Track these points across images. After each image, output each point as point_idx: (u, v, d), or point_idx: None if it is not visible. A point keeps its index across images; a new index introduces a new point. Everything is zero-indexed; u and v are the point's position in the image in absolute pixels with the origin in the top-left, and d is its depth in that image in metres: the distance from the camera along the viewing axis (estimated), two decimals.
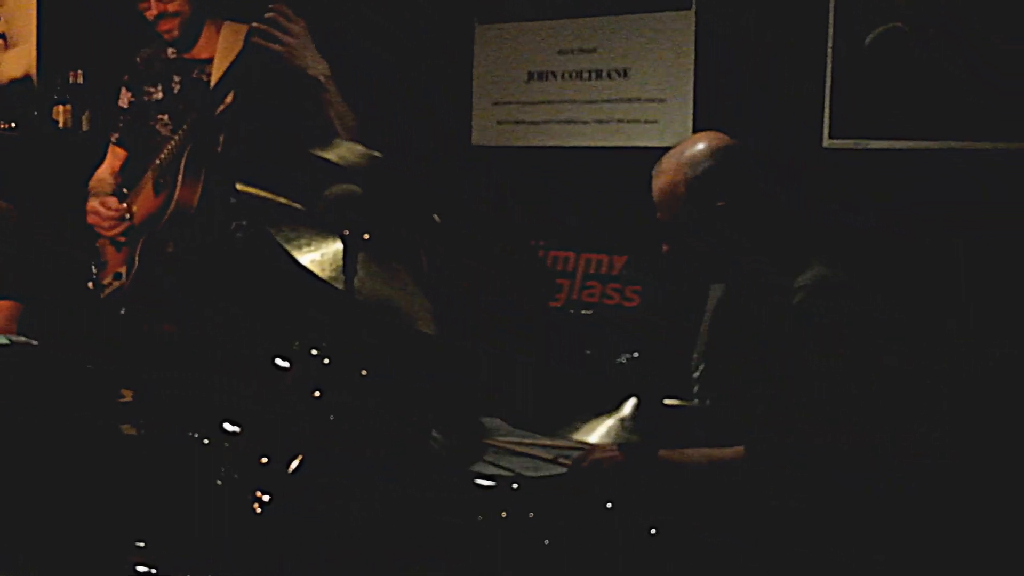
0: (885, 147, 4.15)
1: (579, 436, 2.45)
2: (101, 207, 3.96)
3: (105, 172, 4.17)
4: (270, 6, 3.60)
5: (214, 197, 3.77)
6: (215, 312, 3.80)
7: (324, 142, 2.86)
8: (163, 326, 3.86)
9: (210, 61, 3.89)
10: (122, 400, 3.25)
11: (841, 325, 2.85)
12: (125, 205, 3.95)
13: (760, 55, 4.38)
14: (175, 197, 3.76)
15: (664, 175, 3.02)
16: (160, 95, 3.99)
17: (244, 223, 3.80)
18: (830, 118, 4.23)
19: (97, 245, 4.06)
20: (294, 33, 3.58)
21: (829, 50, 4.20)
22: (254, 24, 3.61)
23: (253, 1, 3.64)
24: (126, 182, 4.05)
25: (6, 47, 6.17)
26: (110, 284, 3.98)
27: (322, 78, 3.60)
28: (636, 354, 2.60)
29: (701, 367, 3.20)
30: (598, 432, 2.43)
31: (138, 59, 4.12)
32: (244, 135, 3.77)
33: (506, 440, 3.33)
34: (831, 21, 4.20)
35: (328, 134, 3.54)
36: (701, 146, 3.02)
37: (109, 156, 4.22)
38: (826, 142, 4.25)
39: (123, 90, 4.16)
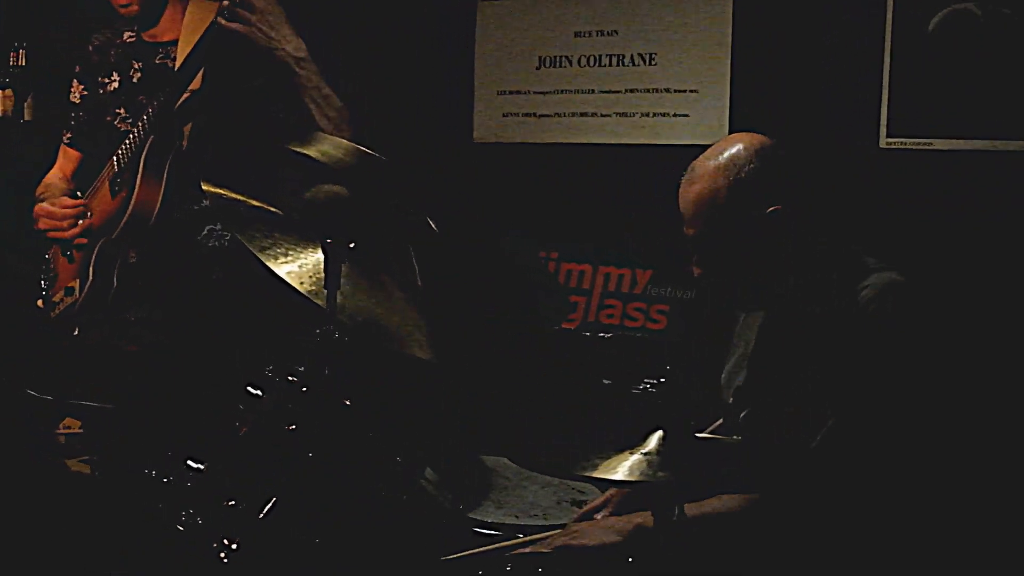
0: (950, 148, 4.16)
1: (600, 474, 2.46)
2: (53, 207, 3.94)
3: (55, 177, 4.17)
4: None
5: (179, 198, 3.77)
6: (181, 331, 3.80)
7: (305, 136, 2.87)
8: (124, 346, 3.86)
9: (174, 44, 3.89)
10: (68, 432, 3.26)
11: (912, 330, 2.87)
12: (83, 200, 3.93)
13: (808, 40, 4.40)
14: (134, 199, 3.76)
15: (700, 182, 2.99)
16: (116, 85, 4.00)
17: (217, 228, 3.81)
18: (888, 114, 4.24)
19: (47, 256, 4.06)
20: (259, 8, 3.58)
21: (887, 36, 4.22)
22: (223, 2, 3.61)
23: None
24: (81, 186, 4.04)
25: None
26: (61, 301, 3.98)
27: (292, 60, 3.59)
28: (662, 380, 2.60)
29: (738, 389, 3.21)
30: (621, 470, 2.44)
31: (91, 46, 4.11)
32: (213, 126, 3.77)
33: None
34: (890, 3, 4.21)
35: (308, 125, 3.54)
36: (740, 147, 3.01)
37: (60, 158, 4.22)
38: (883, 141, 4.26)
39: (74, 83, 4.15)
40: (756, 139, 3.03)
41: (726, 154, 2.99)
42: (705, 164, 3.01)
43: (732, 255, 3.01)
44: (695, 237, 3.03)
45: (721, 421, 3.28)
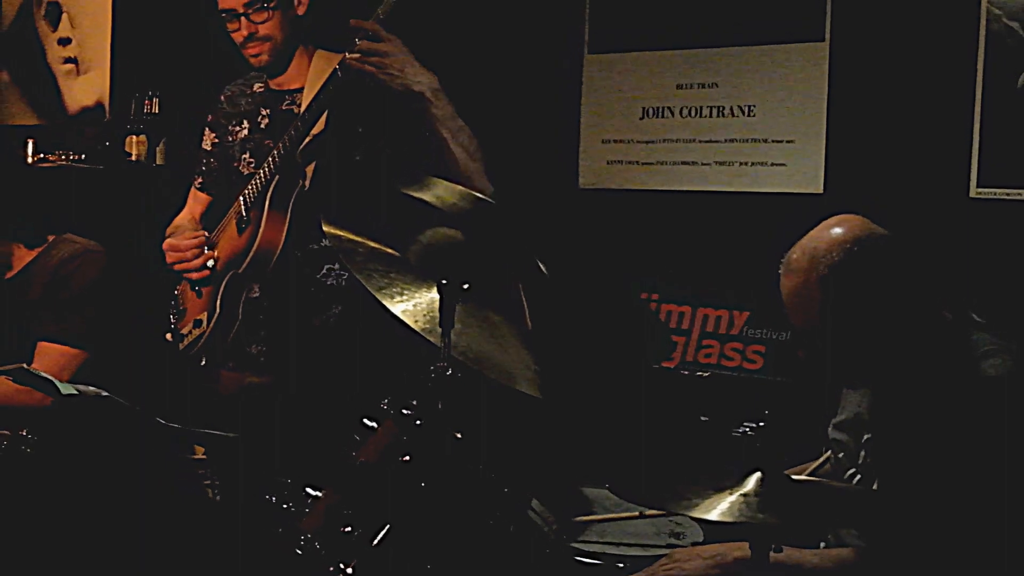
0: None
1: (699, 513, 2.45)
2: (178, 240, 4.01)
3: (185, 219, 4.24)
4: (357, 40, 3.60)
5: (301, 237, 3.81)
6: (300, 365, 3.83)
7: (420, 180, 2.89)
8: (247, 377, 3.90)
9: (300, 91, 3.93)
10: (194, 458, 3.30)
11: None
12: (206, 234, 3.99)
13: (901, 92, 4.38)
14: (259, 235, 3.80)
15: (795, 275, 2.83)
16: (245, 132, 4.06)
17: (335, 267, 3.84)
18: (978, 164, 4.20)
19: (176, 292, 4.12)
20: (382, 52, 3.56)
21: (978, 90, 4.18)
22: (346, 54, 3.62)
23: (350, 31, 3.62)
24: (208, 228, 4.10)
25: (77, 72, 6.33)
26: (189, 333, 4.03)
27: (428, 92, 3.54)
28: (761, 424, 2.58)
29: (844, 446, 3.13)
30: (718, 509, 2.43)
31: (223, 96, 4.19)
32: (334, 168, 3.80)
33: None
34: (980, 58, 4.19)
35: (440, 157, 3.52)
36: (837, 235, 2.82)
37: (190, 201, 4.29)
38: (973, 191, 4.22)
39: (206, 130, 4.23)
40: (854, 226, 2.85)
41: (822, 245, 2.82)
42: (801, 256, 2.84)
43: (833, 344, 2.85)
44: (795, 328, 2.92)
45: (829, 467, 3.22)
